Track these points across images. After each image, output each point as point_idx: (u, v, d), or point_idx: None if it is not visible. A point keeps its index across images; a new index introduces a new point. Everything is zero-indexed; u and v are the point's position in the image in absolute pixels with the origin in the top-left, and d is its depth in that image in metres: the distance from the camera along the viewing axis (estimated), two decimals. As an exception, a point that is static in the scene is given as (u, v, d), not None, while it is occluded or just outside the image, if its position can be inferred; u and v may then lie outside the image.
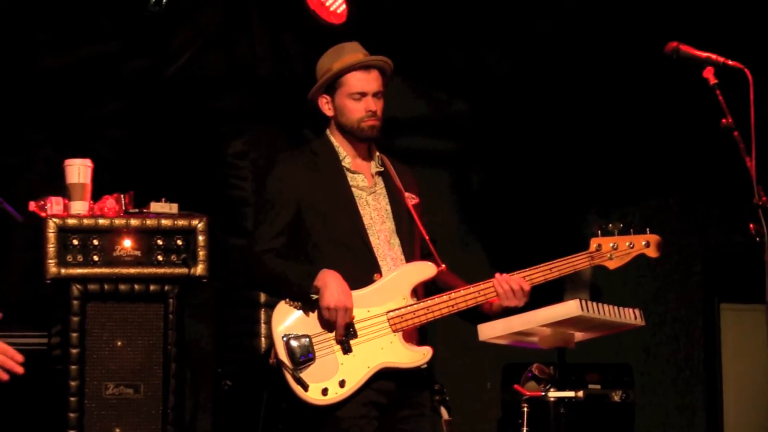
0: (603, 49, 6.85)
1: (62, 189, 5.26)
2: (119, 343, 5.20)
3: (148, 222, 5.25)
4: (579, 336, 4.55)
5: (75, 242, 5.16)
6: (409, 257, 4.33)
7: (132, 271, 5.21)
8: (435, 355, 4.28)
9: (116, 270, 5.20)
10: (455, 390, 5.94)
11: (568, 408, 4.52)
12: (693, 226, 7.21)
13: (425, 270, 4.29)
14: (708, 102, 4.13)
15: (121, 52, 6.26)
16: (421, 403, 4.32)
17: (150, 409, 5.19)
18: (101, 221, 5.21)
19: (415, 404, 4.29)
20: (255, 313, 6.28)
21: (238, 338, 6.44)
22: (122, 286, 5.20)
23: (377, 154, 4.45)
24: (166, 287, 5.23)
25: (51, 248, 5.13)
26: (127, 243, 5.23)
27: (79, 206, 5.23)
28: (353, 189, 4.34)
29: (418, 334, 4.31)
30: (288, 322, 4.19)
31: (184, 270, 5.23)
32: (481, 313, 4.35)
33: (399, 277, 4.26)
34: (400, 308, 4.22)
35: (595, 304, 4.35)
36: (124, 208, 5.29)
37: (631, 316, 4.43)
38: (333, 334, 4.18)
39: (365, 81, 4.35)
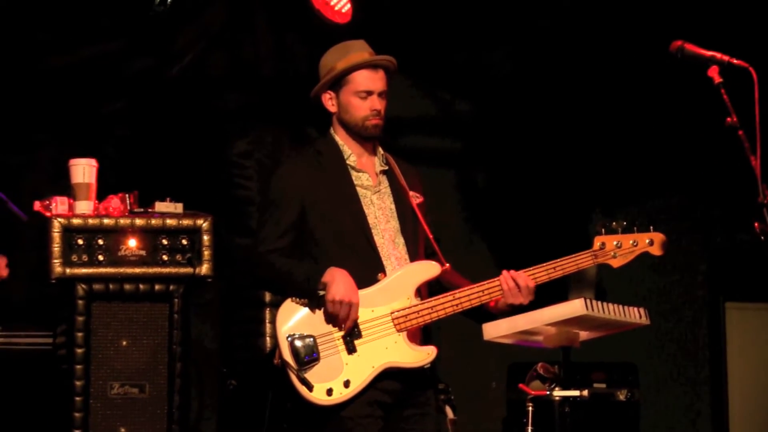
0: (608, 48, 6.85)
1: (67, 189, 5.26)
2: (124, 343, 5.21)
3: (153, 222, 5.25)
4: (584, 335, 4.54)
5: (80, 242, 5.17)
6: (414, 256, 4.33)
7: (137, 270, 5.22)
8: (440, 354, 4.28)
9: (121, 270, 5.20)
10: (460, 389, 5.95)
11: (573, 407, 4.52)
12: (698, 224, 7.20)
13: (429, 269, 4.29)
14: (713, 101, 4.12)
15: (125, 51, 6.27)
16: (426, 403, 4.31)
17: (155, 409, 5.20)
18: (106, 221, 5.22)
19: (420, 403, 4.29)
20: (260, 312, 6.29)
21: (243, 338, 6.45)
22: (127, 286, 5.21)
23: (381, 152, 4.44)
24: (171, 287, 5.23)
25: (56, 248, 5.13)
26: (132, 243, 5.23)
27: (84, 206, 5.23)
28: (357, 188, 4.34)
29: (422, 334, 4.31)
30: (292, 321, 4.19)
31: (189, 269, 5.23)
32: (486, 312, 4.35)
33: (403, 276, 4.25)
34: (404, 308, 4.22)
35: (599, 303, 4.34)
36: (128, 207, 5.30)
37: (636, 315, 4.42)
38: (338, 333, 4.18)
39: (372, 80, 4.35)
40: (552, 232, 6.86)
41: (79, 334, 5.12)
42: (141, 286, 5.22)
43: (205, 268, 5.26)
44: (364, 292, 4.20)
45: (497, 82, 7.01)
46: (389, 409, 4.22)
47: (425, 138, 7.01)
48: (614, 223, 4.37)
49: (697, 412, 7.18)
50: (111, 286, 5.18)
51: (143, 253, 5.25)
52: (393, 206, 4.38)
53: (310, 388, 4.11)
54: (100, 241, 5.19)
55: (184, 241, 5.27)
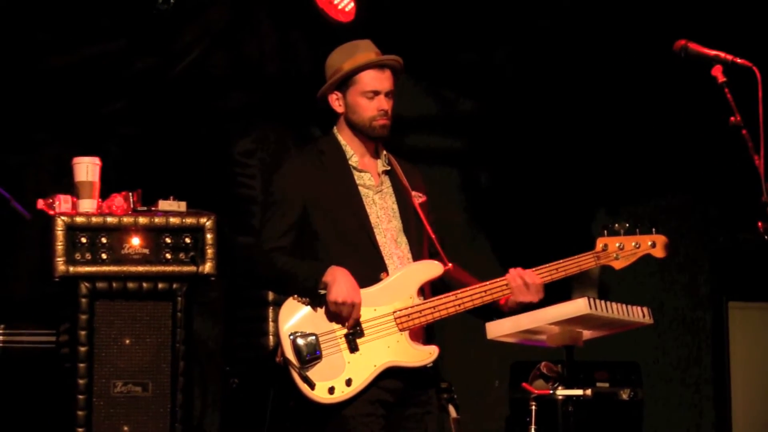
0: (610, 48, 6.84)
1: (70, 187, 5.26)
2: (127, 341, 5.21)
3: (157, 220, 5.25)
4: (587, 334, 4.54)
5: (83, 240, 5.17)
6: (417, 256, 4.33)
7: (140, 269, 5.22)
8: (443, 353, 4.28)
9: (124, 268, 5.20)
10: (463, 388, 5.95)
11: (576, 406, 4.52)
12: (701, 224, 7.20)
13: (432, 269, 4.29)
14: (716, 100, 4.12)
15: (128, 50, 6.27)
16: (428, 402, 4.31)
17: (158, 407, 5.20)
18: (109, 219, 5.22)
19: (422, 402, 4.29)
20: (263, 311, 6.29)
21: (245, 336, 6.45)
22: (130, 284, 5.20)
23: (384, 153, 4.45)
24: (175, 285, 5.23)
25: (59, 246, 5.13)
26: (136, 241, 5.23)
27: (88, 204, 5.23)
28: (360, 188, 4.34)
29: (424, 333, 4.31)
30: (295, 320, 4.19)
31: (193, 268, 5.23)
32: (495, 310, 4.35)
33: (406, 275, 4.26)
34: (406, 307, 4.22)
35: (603, 302, 4.34)
36: (132, 206, 5.30)
37: (639, 314, 4.42)
38: (340, 332, 4.18)
39: (379, 80, 4.35)
40: (555, 232, 6.85)
41: (82, 333, 5.12)
42: (144, 285, 5.21)
43: (208, 267, 5.25)
44: (366, 291, 4.20)
45: (501, 82, 7.01)
46: (391, 408, 4.23)
47: (428, 137, 7.00)
48: (617, 225, 4.38)
49: (700, 411, 7.17)
50: (114, 285, 5.18)
51: (146, 251, 5.24)
52: (395, 206, 4.38)
53: (312, 386, 4.12)
54: (104, 240, 5.19)
55: (188, 240, 5.27)
